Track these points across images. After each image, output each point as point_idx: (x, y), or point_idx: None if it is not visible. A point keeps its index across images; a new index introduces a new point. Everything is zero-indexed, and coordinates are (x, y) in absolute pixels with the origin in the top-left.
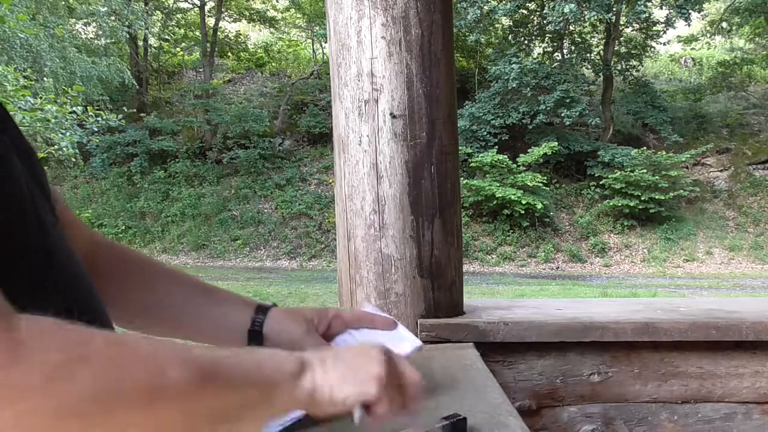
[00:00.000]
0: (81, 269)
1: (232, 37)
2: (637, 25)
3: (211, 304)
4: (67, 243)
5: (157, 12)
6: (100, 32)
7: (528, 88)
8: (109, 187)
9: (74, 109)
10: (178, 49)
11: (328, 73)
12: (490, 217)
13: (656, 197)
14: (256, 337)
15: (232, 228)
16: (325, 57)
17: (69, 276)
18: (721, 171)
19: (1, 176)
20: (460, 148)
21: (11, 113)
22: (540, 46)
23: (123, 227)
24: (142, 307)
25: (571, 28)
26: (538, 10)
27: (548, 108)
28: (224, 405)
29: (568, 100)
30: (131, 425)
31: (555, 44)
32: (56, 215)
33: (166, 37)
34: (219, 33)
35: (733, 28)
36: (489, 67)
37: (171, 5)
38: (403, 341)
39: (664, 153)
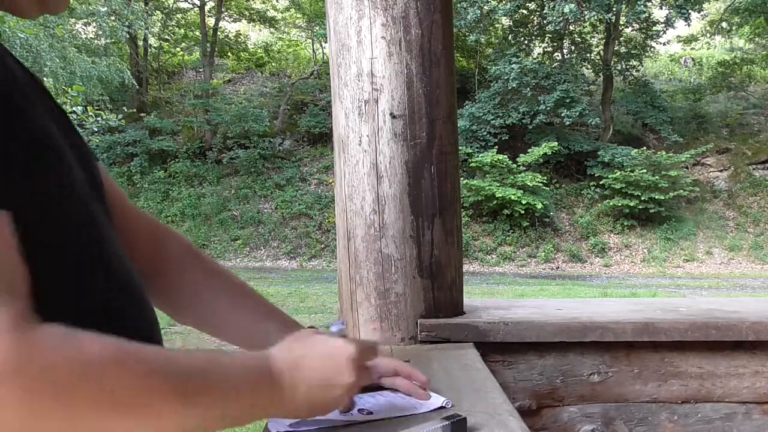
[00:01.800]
0: (126, 259)
1: (232, 37)
2: (637, 25)
3: (261, 327)
4: (113, 231)
5: (157, 12)
6: (100, 32)
7: (528, 88)
8: None
9: (74, 109)
10: (178, 49)
11: (328, 73)
12: (490, 217)
13: (656, 197)
14: None
15: (232, 228)
16: (325, 57)
17: (120, 262)
18: (721, 171)
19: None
20: (460, 148)
21: None
22: (540, 46)
23: None
24: (197, 311)
25: (571, 28)
26: (538, 10)
27: (548, 108)
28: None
29: (568, 100)
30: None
31: (555, 44)
32: (105, 203)
33: (166, 37)
34: (219, 33)
35: (733, 28)
36: (489, 67)
37: (171, 5)
38: (428, 402)
39: (664, 153)
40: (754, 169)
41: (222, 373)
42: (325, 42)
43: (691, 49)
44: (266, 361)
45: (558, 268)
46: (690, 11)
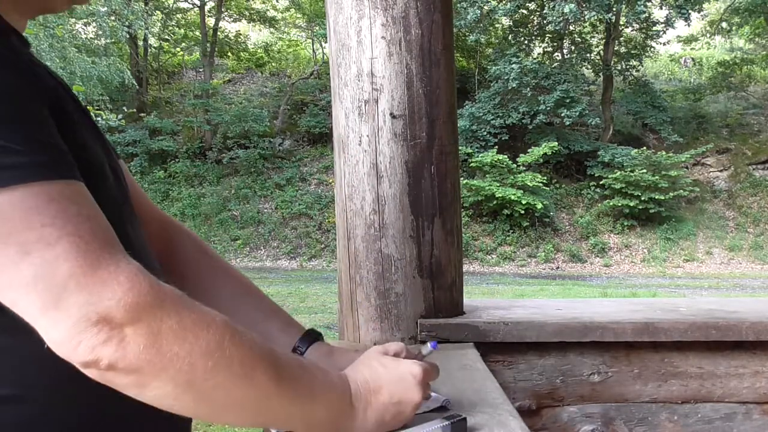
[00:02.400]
0: (152, 257)
1: (232, 37)
2: (637, 25)
3: (265, 325)
4: (139, 224)
5: (157, 12)
6: (100, 32)
7: (528, 88)
8: None
9: None
10: (178, 49)
11: (328, 73)
12: (490, 217)
13: (656, 197)
14: None
15: (232, 228)
16: (325, 57)
17: (146, 257)
18: (721, 171)
19: (100, 178)
20: (460, 148)
21: None
22: (540, 46)
23: None
24: (206, 301)
25: (571, 28)
26: (538, 10)
27: (548, 108)
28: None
29: (568, 100)
30: (217, 386)
31: (555, 44)
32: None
33: (166, 37)
34: (219, 33)
35: (733, 28)
36: (489, 67)
37: (171, 5)
38: (427, 401)
39: (664, 153)
40: (754, 169)
41: (309, 374)
42: (325, 42)
43: (691, 49)
44: (345, 380)
45: (558, 268)
46: (690, 11)
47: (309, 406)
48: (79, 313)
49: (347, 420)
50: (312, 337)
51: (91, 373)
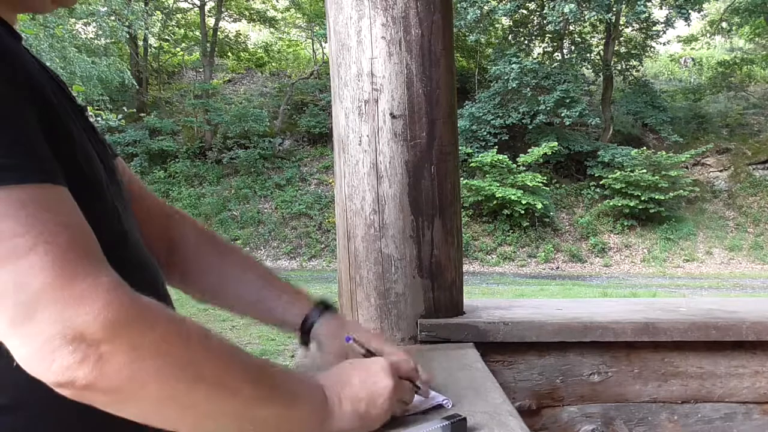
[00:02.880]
0: (144, 249)
1: (232, 37)
2: (637, 25)
3: (274, 298)
4: (136, 221)
5: (157, 12)
6: (100, 32)
7: (528, 88)
8: None
9: None
10: (178, 49)
11: (328, 73)
12: (490, 217)
13: (656, 197)
14: (304, 333)
15: (232, 228)
16: (325, 57)
17: (141, 254)
18: (721, 171)
19: (89, 168)
20: (460, 148)
21: None
22: (540, 46)
23: None
24: (214, 289)
25: (571, 28)
26: (538, 10)
27: (548, 108)
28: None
29: (568, 100)
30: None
31: (555, 44)
32: (125, 191)
33: (166, 37)
34: (219, 33)
35: (733, 28)
36: (489, 67)
37: (171, 5)
38: (427, 400)
39: (664, 153)
40: (754, 169)
41: (285, 379)
42: (325, 42)
43: (691, 49)
44: (317, 380)
45: (558, 268)
46: (690, 11)
47: (289, 405)
48: (53, 329)
49: (324, 413)
50: (322, 308)
51: (64, 392)
